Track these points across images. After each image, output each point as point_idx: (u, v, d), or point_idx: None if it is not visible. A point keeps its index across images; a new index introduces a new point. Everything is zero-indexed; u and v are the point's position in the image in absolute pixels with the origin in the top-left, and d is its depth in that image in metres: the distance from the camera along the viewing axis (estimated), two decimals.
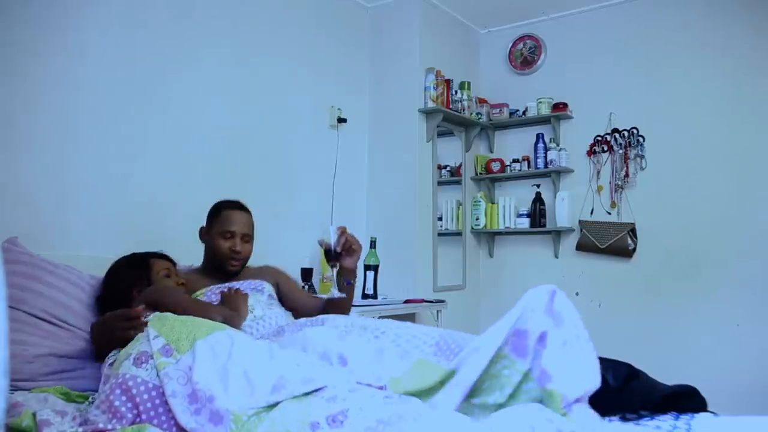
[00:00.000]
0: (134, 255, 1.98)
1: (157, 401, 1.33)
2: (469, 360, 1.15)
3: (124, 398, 1.34)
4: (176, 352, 1.41)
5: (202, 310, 1.69)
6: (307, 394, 1.19)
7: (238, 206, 2.14)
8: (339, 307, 2.04)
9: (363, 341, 1.44)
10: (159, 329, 1.49)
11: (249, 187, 2.92)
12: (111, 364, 1.52)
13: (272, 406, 1.20)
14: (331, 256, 1.90)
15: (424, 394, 1.20)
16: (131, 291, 1.85)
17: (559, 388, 1.02)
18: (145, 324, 1.56)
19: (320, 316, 1.76)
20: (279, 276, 2.20)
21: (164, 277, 1.91)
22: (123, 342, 1.58)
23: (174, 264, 2.03)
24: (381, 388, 1.27)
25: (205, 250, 2.15)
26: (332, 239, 1.89)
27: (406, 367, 1.28)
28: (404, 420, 1.03)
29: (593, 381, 1.04)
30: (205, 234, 2.15)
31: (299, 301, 2.16)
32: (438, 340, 1.42)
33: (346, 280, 2.00)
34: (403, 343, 1.44)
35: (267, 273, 2.19)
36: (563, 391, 1.02)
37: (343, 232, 1.91)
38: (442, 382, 1.17)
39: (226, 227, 2.07)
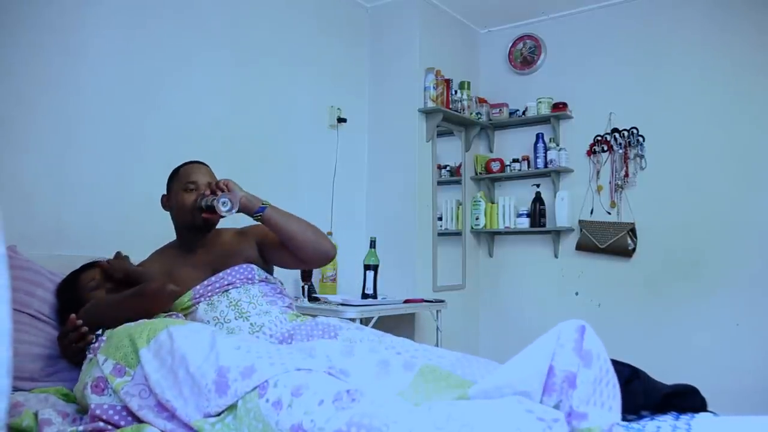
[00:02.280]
0: (66, 277, 1.92)
1: (129, 418, 1.33)
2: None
3: (102, 424, 1.34)
4: (128, 368, 1.40)
5: (129, 304, 1.67)
6: (251, 391, 1.19)
7: (196, 162, 2.00)
8: (279, 229, 1.87)
9: (366, 352, 1.41)
10: (106, 352, 1.46)
11: (248, 187, 2.90)
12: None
13: (231, 407, 1.21)
14: (217, 202, 1.79)
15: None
16: (66, 317, 1.80)
17: (596, 424, 1.01)
18: (87, 331, 1.63)
19: (334, 325, 1.72)
20: (259, 233, 1.99)
21: (93, 290, 1.85)
22: (79, 354, 1.64)
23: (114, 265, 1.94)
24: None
25: (172, 218, 1.97)
26: (205, 197, 1.84)
27: (410, 378, 1.26)
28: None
29: (617, 415, 1.05)
30: (167, 200, 1.98)
31: (277, 249, 1.97)
32: (454, 361, 1.40)
33: (255, 213, 1.84)
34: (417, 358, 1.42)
35: (249, 239, 2.00)
36: (600, 423, 1.01)
37: (208, 185, 1.87)
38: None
39: (186, 179, 1.92)
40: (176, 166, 2.00)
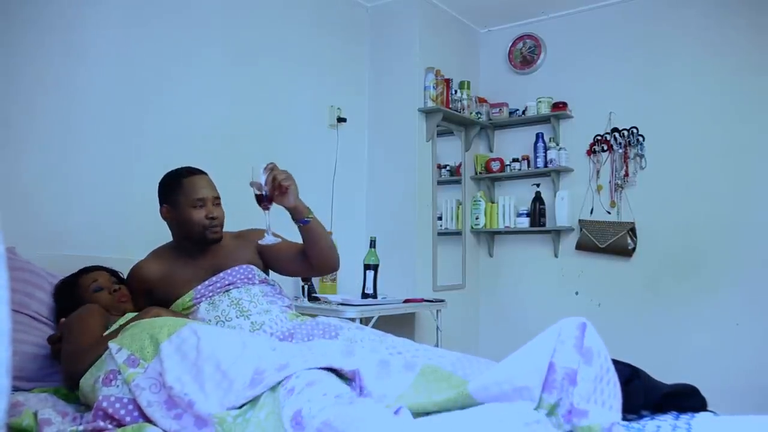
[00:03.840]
0: (64, 279, 1.91)
1: (135, 413, 1.32)
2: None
3: (107, 420, 1.33)
4: (142, 360, 1.39)
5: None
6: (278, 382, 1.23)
7: (195, 171, 1.94)
8: (312, 238, 1.88)
9: (367, 352, 1.42)
10: (120, 342, 1.46)
11: (248, 186, 2.91)
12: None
13: (252, 401, 1.22)
14: (263, 198, 1.74)
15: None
16: (58, 321, 1.82)
17: (597, 421, 1.00)
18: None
19: (334, 325, 1.73)
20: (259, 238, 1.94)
21: (96, 291, 1.84)
22: None
23: (114, 273, 1.94)
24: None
25: (174, 228, 1.94)
26: (261, 180, 1.73)
27: (411, 379, 1.26)
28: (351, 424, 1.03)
29: (618, 414, 1.04)
30: (169, 212, 1.92)
31: (285, 259, 2.01)
32: (455, 361, 1.39)
33: (300, 221, 1.84)
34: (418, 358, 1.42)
35: (248, 243, 2.01)
36: (601, 422, 1.00)
37: (271, 169, 1.75)
38: (456, 398, 1.12)
39: (194, 196, 1.87)
40: (172, 172, 1.95)
